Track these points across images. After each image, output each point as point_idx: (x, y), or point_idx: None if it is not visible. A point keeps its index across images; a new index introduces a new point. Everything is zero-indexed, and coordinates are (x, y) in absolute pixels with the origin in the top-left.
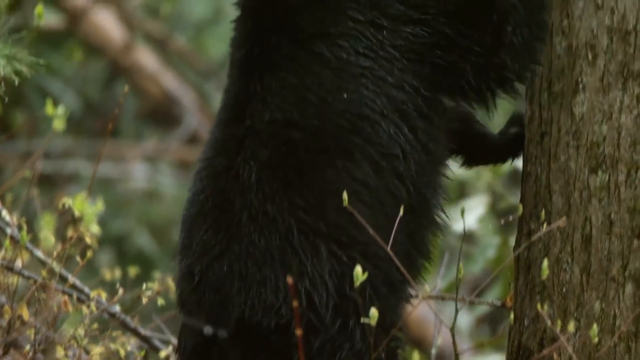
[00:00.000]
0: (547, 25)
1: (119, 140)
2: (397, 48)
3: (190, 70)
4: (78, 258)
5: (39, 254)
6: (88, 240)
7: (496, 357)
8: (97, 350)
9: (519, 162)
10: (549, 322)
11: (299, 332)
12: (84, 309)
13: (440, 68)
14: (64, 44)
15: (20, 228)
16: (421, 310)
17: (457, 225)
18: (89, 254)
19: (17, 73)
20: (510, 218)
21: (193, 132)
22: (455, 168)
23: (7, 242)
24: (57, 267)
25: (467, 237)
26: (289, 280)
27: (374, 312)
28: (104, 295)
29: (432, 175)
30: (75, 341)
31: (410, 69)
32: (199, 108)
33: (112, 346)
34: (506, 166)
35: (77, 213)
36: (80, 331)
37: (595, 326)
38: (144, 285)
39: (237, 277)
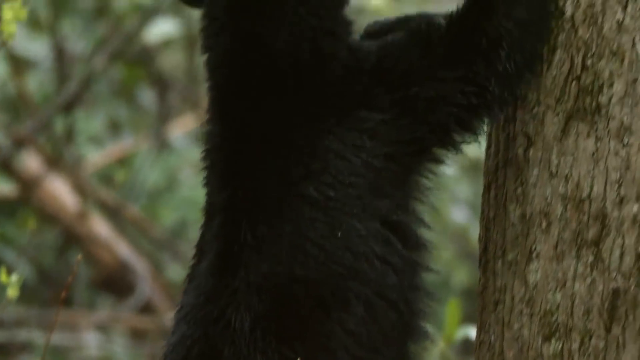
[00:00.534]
0: (540, 57)
1: (72, 308)
2: (381, 158)
3: (144, 238)
4: None
5: None
6: None
7: None
8: None
9: (472, 331)
10: None
11: None
12: None
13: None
14: (17, 212)
15: None
16: None
17: None
18: None
19: None
20: None
21: (146, 300)
22: None
23: None
24: None
25: None
26: None
27: None
28: None
29: (420, 278)
30: None
31: (397, 172)
32: (153, 277)
33: None
34: (460, 334)
35: None
36: None
37: None
38: None
39: None
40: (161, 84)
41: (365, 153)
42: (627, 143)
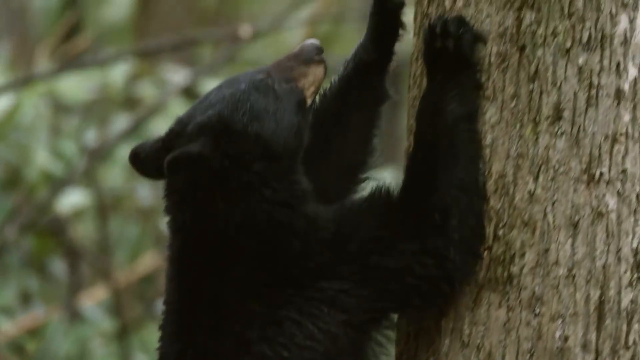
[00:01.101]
0: (484, 227)
1: None
2: (339, 325)
3: None
4: None
5: None
6: None
7: None
8: None
9: None
10: None
11: None
12: None
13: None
14: None
15: None
16: None
17: None
18: None
19: None
20: None
21: None
22: None
23: None
24: None
25: None
26: None
27: None
28: None
29: None
30: None
31: (354, 338)
32: None
33: None
34: None
35: None
36: None
37: None
38: None
39: None
40: (72, 254)
41: (322, 321)
42: (539, 313)
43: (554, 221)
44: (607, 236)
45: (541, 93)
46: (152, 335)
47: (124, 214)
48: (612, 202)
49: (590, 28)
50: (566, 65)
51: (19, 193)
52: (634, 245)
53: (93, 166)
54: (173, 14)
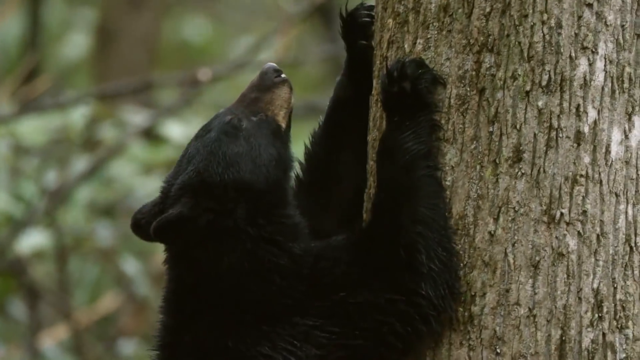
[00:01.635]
0: (458, 257)
1: None
2: (313, 359)
3: None
4: None
5: None
6: None
7: None
8: None
9: None
10: None
11: None
12: None
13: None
14: None
15: None
16: None
17: None
18: None
19: None
20: None
21: None
22: None
23: None
24: None
25: None
26: None
27: None
28: None
29: None
30: None
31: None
32: None
33: None
34: None
35: None
36: None
37: None
38: None
39: None
40: (32, 295)
41: (295, 356)
42: (500, 352)
43: (514, 261)
44: (568, 276)
45: (501, 135)
46: None
47: (84, 255)
48: (572, 242)
49: (549, 71)
50: (526, 108)
51: None
52: (595, 285)
53: (53, 207)
54: (133, 57)
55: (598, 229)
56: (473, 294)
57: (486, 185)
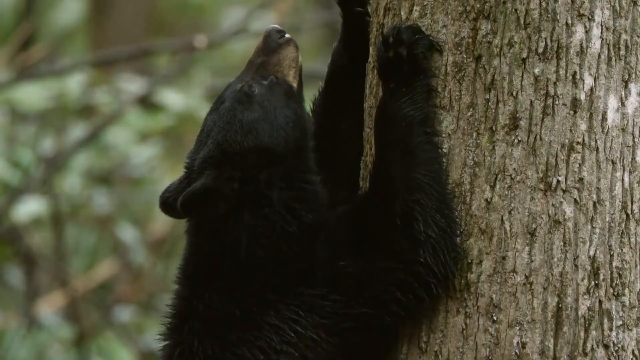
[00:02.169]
0: (457, 223)
1: None
2: (319, 330)
3: None
4: None
5: None
6: None
7: None
8: None
9: None
10: None
11: None
12: None
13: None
14: None
15: None
16: None
17: None
18: None
19: None
20: None
21: None
22: None
23: None
24: None
25: None
26: None
27: None
28: None
29: None
30: None
31: (336, 344)
32: None
33: None
34: None
35: None
36: None
37: None
38: None
39: None
40: (29, 262)
41: (300, 325)
42: (497, 320)
43: (511, 229)
44: (564, 244)
45: (497, 102)
46: (109, 341)
47: (81, 222)
48: (569, 210)
49: (546, 38)
50: (522, 75)
51: None
52: (591, 253)
53: (50, 174)
54: (129, 23)
55: (594, 197)
56: (469, 261)
57: (482, 153)
